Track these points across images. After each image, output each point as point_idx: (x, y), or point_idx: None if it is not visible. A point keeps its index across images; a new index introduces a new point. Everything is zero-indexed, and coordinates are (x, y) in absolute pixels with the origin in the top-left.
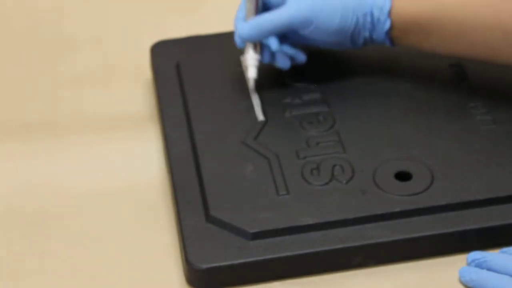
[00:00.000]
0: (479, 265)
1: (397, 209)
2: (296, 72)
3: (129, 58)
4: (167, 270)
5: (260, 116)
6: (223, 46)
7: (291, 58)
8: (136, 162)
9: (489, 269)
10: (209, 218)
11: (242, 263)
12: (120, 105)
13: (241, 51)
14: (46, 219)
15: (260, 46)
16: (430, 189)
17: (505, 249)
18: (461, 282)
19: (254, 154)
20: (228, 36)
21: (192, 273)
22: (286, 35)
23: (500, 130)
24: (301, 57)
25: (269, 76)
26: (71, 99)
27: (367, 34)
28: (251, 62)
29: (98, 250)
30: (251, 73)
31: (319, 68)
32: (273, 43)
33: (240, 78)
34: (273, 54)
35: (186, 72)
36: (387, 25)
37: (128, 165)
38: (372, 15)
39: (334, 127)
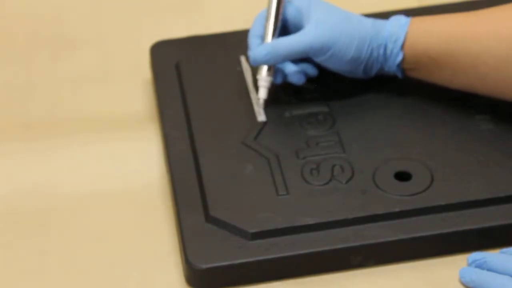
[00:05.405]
0: (480, 266)
1: (397, 209)
2: None
3: (129, 58)
4: (167, 270)
5: (260, 116)
6: (223, 46)
7: (304, 73)
8: (136, 162)
9: (489, 270)
10: (209, 218)
11: (242, 263)
12: (120, 105)
13: (241, 51)
14: (46, 219)
15: (273, 67)
16: (430, 189)
17: (505, 249)
18: (462, 283)
19: (254, 154)
20: (228, 36)
21: (192, 273)
22: None
23: (500, 130)
24: (313, 71)
25: None
26: (71, 99)
27: (379, 65)
28: (263, 83)
29: (98, 250)
30: (262, 94)
31: (319, 69)
32: (288, 67)
33: (240, 78)
34: (285, 74)
35: (186, 72)
36: (400, 57)
37: (128, 165)
38: (385, 47)
39: (334, 127)
